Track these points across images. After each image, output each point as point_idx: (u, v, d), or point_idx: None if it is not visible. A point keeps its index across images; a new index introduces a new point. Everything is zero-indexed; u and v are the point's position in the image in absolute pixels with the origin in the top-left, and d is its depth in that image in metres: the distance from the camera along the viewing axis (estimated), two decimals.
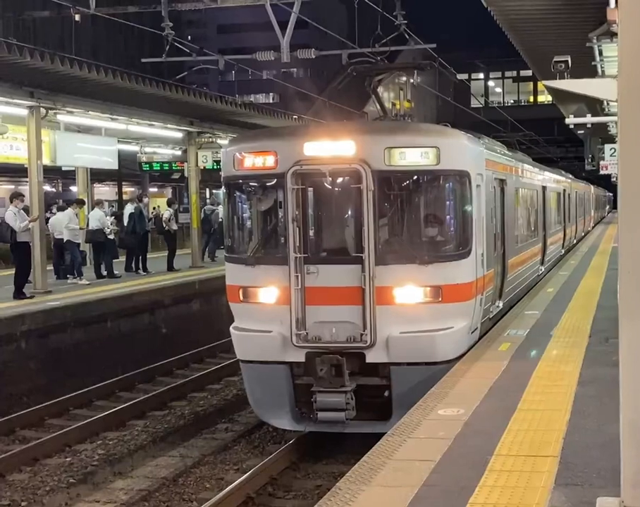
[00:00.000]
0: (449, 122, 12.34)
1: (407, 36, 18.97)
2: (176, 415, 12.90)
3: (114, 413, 12.97)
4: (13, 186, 39.92)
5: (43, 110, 17.38)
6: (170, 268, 22.61)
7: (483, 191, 11.22)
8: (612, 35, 12.53)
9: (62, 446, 11.50)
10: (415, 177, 10.55)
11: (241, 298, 10.78)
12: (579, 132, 35.86)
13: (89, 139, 21.33)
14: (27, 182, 18.57)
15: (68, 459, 10.88)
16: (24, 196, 17.32)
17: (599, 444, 6.48)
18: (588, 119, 18.70)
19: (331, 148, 10.22)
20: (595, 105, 22.18)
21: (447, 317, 10.20)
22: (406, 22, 18.13)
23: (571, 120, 18.36)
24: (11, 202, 16.79)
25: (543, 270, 19.56)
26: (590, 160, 42.19)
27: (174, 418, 12.74)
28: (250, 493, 9.37)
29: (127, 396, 14.50)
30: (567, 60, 13.00)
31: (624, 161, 4.03)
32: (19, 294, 16.27)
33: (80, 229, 20.22)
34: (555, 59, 13.13)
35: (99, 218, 20.64)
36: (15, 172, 35.13)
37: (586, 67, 15.44)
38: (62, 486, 9.81)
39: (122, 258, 22.59)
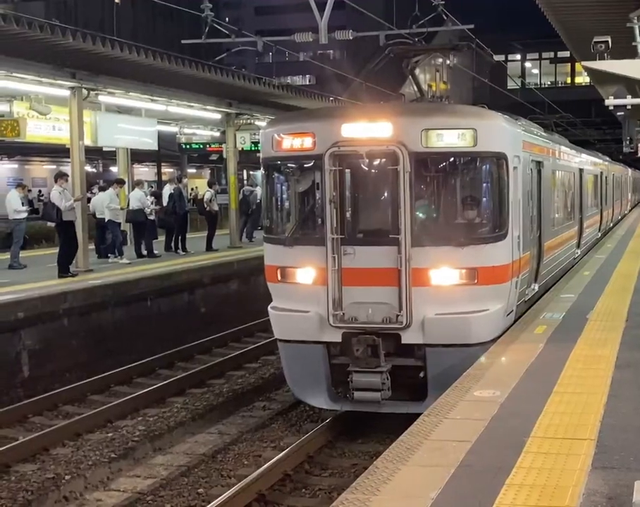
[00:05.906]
0: (485, 104, 12.29)
1: (445, 17, 18.88)
2: (215, 393, 13.06)
3: (154, 390, 13.21)
4: (54, 167, 40.47)
5: (85, 91, 17.63)
6: (209, 248, 22.87)
7: (520, 173, 11.18)
8: None
9: (104, 421, 11.77)
10: (452, 159, 10.55)
11: (279, 278, 10.90)
12: (618, 113, 35.31)
13: (129, 120, 21.52)
14: (68, 162, 18.84)
15: (109, 434, 11.09)
16: (68, 175, 17.60)
17: (636, 428, 6.51)
18: (628, 100, 18.44)
19: (368, 129, 10.25)
20: (634, 87, 21.88)
21: (483, 300, 10.22)
22: (444, 2, 18.03)
23: (610, 102, 18.09)
24: (56, 181, 17.10)
25: (579, 253, 19.43)
26: (628, 142, 41.52)
27: (213, 396, 12.90)
28: (287, 470, 9.52)
29: (166, 373, 14.74)
30: (608, 41, 12.88)
31: None
32: (63, 272, 16.56)
33: (121, 209, 20.51)
34: (595, 39, 13.01)
35: (139, 198, 20.88)
36: (56, 152, 35.60)
37: (627, 47, 15.25)
38: (104, 461, 10.00)
39: (162, 238, 22.87)
